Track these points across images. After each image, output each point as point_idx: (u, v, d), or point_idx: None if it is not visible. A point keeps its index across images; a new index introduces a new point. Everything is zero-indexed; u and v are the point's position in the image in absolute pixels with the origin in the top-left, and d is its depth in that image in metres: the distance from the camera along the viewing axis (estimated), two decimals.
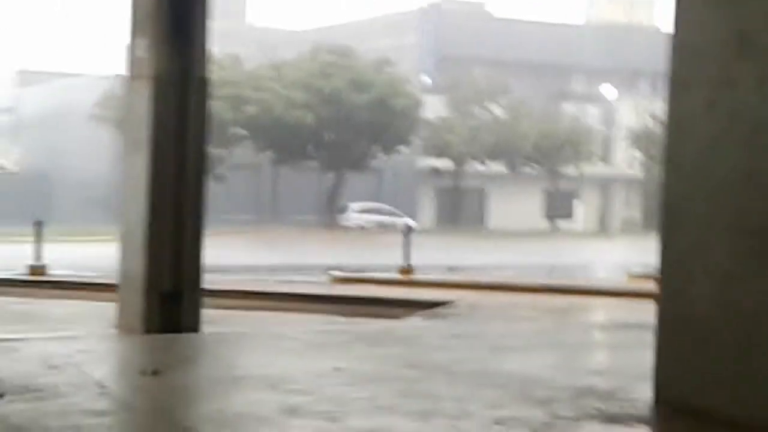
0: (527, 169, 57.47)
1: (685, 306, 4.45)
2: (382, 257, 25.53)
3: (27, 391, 5.21)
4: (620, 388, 5.47)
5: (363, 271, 21.29)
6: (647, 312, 5.61)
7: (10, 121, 67.76)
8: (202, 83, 8.42)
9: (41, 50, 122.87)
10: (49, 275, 16.93)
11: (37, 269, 17.15)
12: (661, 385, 4.70)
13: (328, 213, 53.18)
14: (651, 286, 5.54)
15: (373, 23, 64.51)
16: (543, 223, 59.93)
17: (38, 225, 17.63)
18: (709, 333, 4.35)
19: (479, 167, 56.25)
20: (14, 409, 4.78)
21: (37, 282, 15.66)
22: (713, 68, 4.27)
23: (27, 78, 67.57)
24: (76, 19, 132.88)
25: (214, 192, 48.14)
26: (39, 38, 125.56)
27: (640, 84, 64.86)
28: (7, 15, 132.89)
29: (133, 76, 8.51)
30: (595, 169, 62.85)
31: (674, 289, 4.52)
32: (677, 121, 4.47)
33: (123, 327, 8.32)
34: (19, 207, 47.63)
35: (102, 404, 5.01)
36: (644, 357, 5.31)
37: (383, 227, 50.82)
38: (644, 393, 5.10)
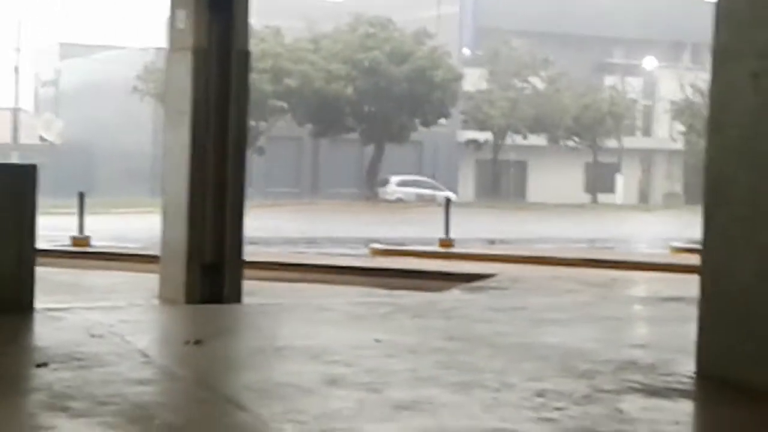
0: (568, 142, 57.16)
1: (728, 280, 4.42)
2: (422, 230, 25.53)
3: (71, 359, 5.26)
4: (662, 362, 5.44)
5: (403, 243, 21.30)
6: (690, 286, 5.58)
7: (52, 93, 68.24)
8: (243, 56, 8.42)
9: (82, 23, 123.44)
10: (92, 246, 17.07)
11: (80, 240, 17.30)
12: (704, 358, 4.68)
13: (368, 186, 53.19)
14: (693, 259, 5.50)
15: None
16: (584, 197, 59.65)
17: (81, 197, 17.76)
18: (752, 307, 4.31)
19: (519, 140, 56.02)
20: (58, 377, 4.83)
21: (80, 253, 15.79)
22: (758, 39, 4.22)
23: (68, 51, 67.91)
24: None
25: (254, 165, 48.28)
26: (80, 11, 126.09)
27: (682, 55, 64.26)
28: None
29: (174, 48, 8.53)
30: (636, 141, 62.42)
31: (717, 263, 4.48)
32: (721, 93, 4.42)
33: (165, 298, 8.38)
34: (61, 179, 48.02)
35: (145, 373, 5.05)
36: (687, 330, 5.29)
37: (423, 200, 50.78)
38: (687, 366, 5.08)
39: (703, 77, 46.38)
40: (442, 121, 53.90)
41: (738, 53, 4.30)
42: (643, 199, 63.64)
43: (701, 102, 52.45)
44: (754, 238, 4.28)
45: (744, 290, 4.35)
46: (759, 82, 4.22)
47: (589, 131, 56.77)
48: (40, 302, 7.06)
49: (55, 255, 14.41)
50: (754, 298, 4.30)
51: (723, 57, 4.39)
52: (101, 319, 6.68)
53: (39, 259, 7.15)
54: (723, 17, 4.38)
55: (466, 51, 60.60)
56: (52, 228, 17.08)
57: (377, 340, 6.06)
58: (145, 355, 5.53)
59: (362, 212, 41.36)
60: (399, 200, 52.02)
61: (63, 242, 17.46)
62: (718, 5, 4.40)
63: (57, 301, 8.03)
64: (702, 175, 4.58)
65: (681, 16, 62.56)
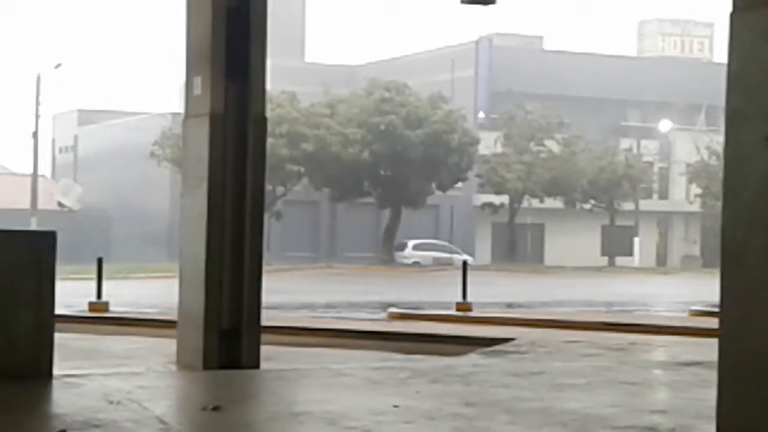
0: (584, 205, 57.14)
1: (747, 344, 4.40)
2: (439, 294, 25.48)
3: (89, 426, 5.25)
4: (683, 428, 5.40)
5: (420, 307, 21.25)
6: (709, 350, 5.55)
7: (70, 159, 68.72)
8: (259, 121, 8.48)
9: (100, 90, 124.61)
10: (110, 312, 17.07)
11: (98, 306, 17.31)
12: (724, 424, 4.64)
13: (384, 250, 53.21)
14: (712, 323, 5.48)
15: (427, 58, 64.69)
16: (601, 260, 59.49)
17: (99, 262, 17.80)
18: None
19: (536, 203, 56.04)
20: None
21: (98, 318, 15.79)
22: None
23: (86, 117, 68.52)
24: (134, 59, 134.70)
25: (271, 229, 48.43)
26: (97, 78, 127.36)
27: (698, 117, 64.39)
28: (66, 56, 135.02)
29: (190, 114, 8.60)
30: (653, 204, 62.34)
31: (736, 327, 4.46)
32: (735, 155, 4.43)
33: (183, 363, 8.37)
34: (80, 244, 48.18)
35: None
36: (706, 395, 5.25)
37: (440, 264, 50.73)
38: None
39: (718, 139, 46.47)
40: (459, 184, 54.00)
41: (750, 117, 4.32)
42: (661, 261, 63.42)
43: (717, 164, 52.45)
44: None
45: (763, 354, 4.33)
46: None
47: (605, 194, 56.76)
48: (58, 368, 7.06)
49: (73, 321, 14.42)
50: None
51: (735, 120, 4.41)
52: (119, 386, 6.67)
53: (57, 325, 7.17)
54: (734, 81, 4.41)
55: (482, 114, 60.86)
56: (70, 293, 17.10)
57: (395, 406, 6.04)
58: (163, 422, 5.52)
59: (379, 276, 41.33)
60: (416, 264, 51.98)
61: (81, 308, 17.48)
62: (729, 69, 4.43)
63: (75, 367, 8.03)
64: (719, 237, 4.57)
65: (696, 79, 62.80)
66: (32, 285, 6.93)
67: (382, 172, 51.50)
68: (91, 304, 17.41)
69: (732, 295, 4.48)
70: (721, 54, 67.58)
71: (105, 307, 17.34)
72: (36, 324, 6.91)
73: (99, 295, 17.48)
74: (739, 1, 4.40)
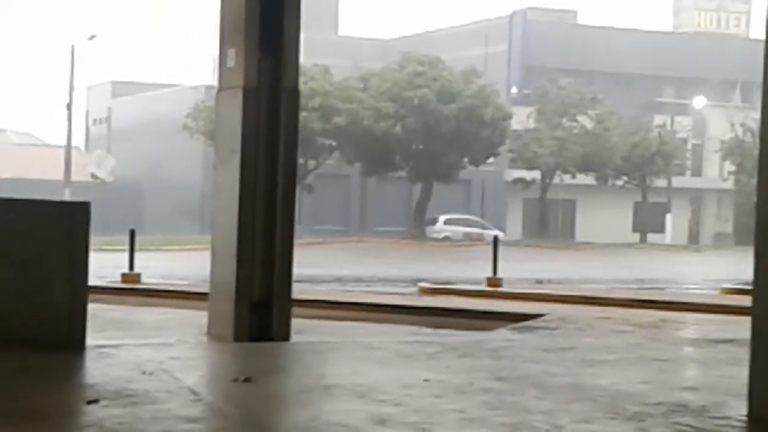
0: (617, 182, 56.87)
1: None
2: (469, 269, 25.47)
3: (121, 396, 5.30)
4: (713, 405, 5.39)
5: (450, 282, 21.26)
6: (740, 327, 5.53)
7: (103, 131, 69.03)
8: (293, 94, 8.49)
9: (133, 61, 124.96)
10: (142, 283, 17.19)
11: (130, 277, 17.43)
12: (756, 401, 4.63)
13: (416, 224, 53.19)
14: (744, 301, 5.45)
15: (460, 32, 64.42)
16: (632, 236, 59.24)
17: (131, 234, 17.91)
18: None
19: (568, 179, 55.82)
20: (109, 414, 4.87)
21: (130, 290, 15.91)
22: None
23: (120, 89, 68.75)
24: (168, 30, 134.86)
25: (303, 202, 48.50)
26: (131, 49, 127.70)
27: (732, 94, 63.87)
28: (100, 27, 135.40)
29: (224, 86, 8.62)
30: (686, 181, 61.96)
31: None
32: None
33: (214, 335, 8.42)
34: (113, 216, 48.45)
35: (194, 411, 5.07)
36: (738, 373, 5.23)
37: (471, 239, 50.67)
38: (738, 410, 5.02)
39: (753, 116, 46.05)
40: (491, 159, 53.86)
41: None
42: (693, 239, 63.09)
43: (751, 142, 52.04)
44: None
45: None
46: None
47: (638, 170, 56.45)
48: (91, 339, 7.12)
49: (106, 292, 14.53)
50: None
51: None
52: (151, 356, 6.72)
53: (90, 296, 7.23)
54: None
55: (515, 90, 60.60)
56: (103, 265, 17.24)
57: (425, 380, 6.05)
58: (195, 393, 5.55)
59: (410, 251, 41.35)
60: (446, 239, 51.95)
61: (114, 279, 17.60)
62: (766, 45, 4.39)
63: (108, 337, 8.09)
64: (752, 215, 4.54)
65: (731, 55, 62.25)
66: (66, 256, 6.99)
67: (414, 147, 51.44)
68: (123, 275, 17.54)
69: (765, 273, 4.46)
70: (757, 30, 66.93)
71: (137, 278, 17.46)
72: (69, 294, 6.97)
73: (131, 266, 17.60)
74: None
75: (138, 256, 18.06)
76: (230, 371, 6.64)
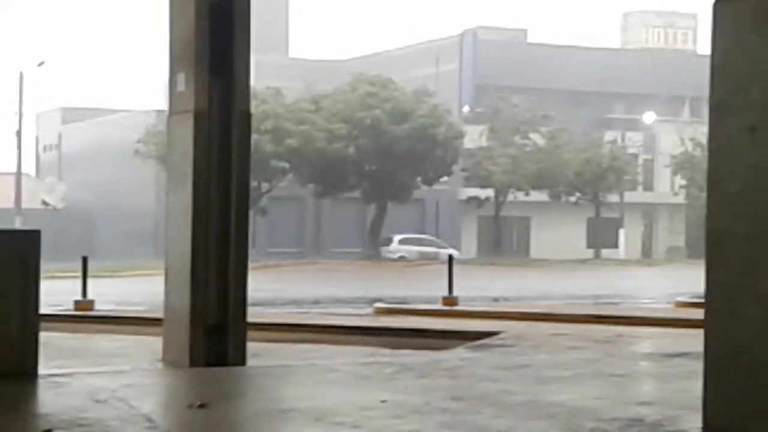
0: (570, 198, 57.24)
1: (731, 332, 4.41)
2: (425, 288, 25.48)
3: (74, 425, 5.23)
4: (669, 419, 5.41)
5: (407, 302, 21.25)
6: (694, 340, 5.56)
7: (54, 157, 68.51)
8: (244, 117, 8.46)
9: (84, 87, 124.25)
10: (96, 310, 17.03)
11: (83, 304, 17.26)
12: (710, 415, 4.65)
13: (371, 245, 53.21)
14: (698, 314, 5.49)
15: (411, 52, 64.68)
16: (587, 252, 59.59)
17: (84, 261, 17.75)
18: (757, 360, 4.30)
19: (521, 196, 56.11)
20: None
21: (83, 317, 15.75)
22: (754, 92, 4.25)
23: (70, 115, 68.34)
24: (117, 56, 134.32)
25: (257, 225, 48.23)
26: (81, 75, 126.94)
27: (682, 109, 64.53)
28: (49, 54, 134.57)
29: (175, 111, 8.57)
30: (638, 196, 62.46)
31: (721, 317, 4.47)
32: (719, 147, 4.44)
33: (169, 361, 8.35)
34: (65, 243, 48.05)
35: None
36: (692, 386, 5.26)
37: (427, 258, 50.75)
38: (693, 422, 5.05)
39: (702, 131, 46.54)
40: (444, 178, 54.03)
41: (735, 107, 4.33)
42: (646, 253, 63.57)
43: (701, 156, 52.58)
44: (755, 292, 4.28)
45: (747, 344, 4.34)
46: (756, 136, 4.24)
47: (590, 186, 56.85)
48: (44, 367, 7.04)
49: (58, 320, 14.39)
50: (758, 352, 4.29)
51: (720, 111, 4.41)
52: (105, 384, 6.65)
53: (43, 324, 7.14)
54: (718, 72, 4.42)
55: (466, 108, 60.88)
56: (55, 292, 17.07)
57: (383, 401, 6.03)
58: (150, 420, 5.50)
59: (365, 271, 41.31)
60: (402, 258, 51.99)
61: (67, 307, 17.43)
62: (713, 60, 4.44)
63: (61, 366, 8.00)
64: (703, 228, 4.58)
65: (680, 71, 62.94)
66: (17, 284, 6.91)
67: (367, 167, 51.50)
68: (76, 302, 17.37)
69: (716, 287, 4.49)
70: (705, 45, 67.71)
71: (90, 305, 17.30)
72: (21, 323, 6.88)
73: (84, 293, 17.44)
74: None
75: (91, 283, 17.90)
76: (185, 397, 6.58)
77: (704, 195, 4.59)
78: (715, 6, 4.43)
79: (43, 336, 7.12)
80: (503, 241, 58.28)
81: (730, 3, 4.37)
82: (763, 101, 4.21)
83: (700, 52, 68.66)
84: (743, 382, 4.39)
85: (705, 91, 4.67)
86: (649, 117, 63.16)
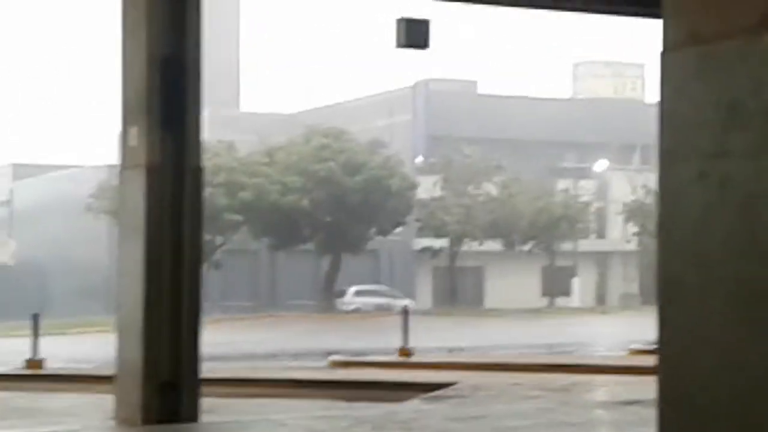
0: (524, 247, 57.48)
1: (684, 380, 4.42)
2: (381, 340, 25.40)
3: None
4: None
5: (362, 354, 21.16)
6: (648, 388, 5.56)
7: (5, 214, 67.90)
8: (196, 171, 8.44)
9: (34, 143, 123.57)
10: (47, 369, 16.80)
11: (34, 363, 17.02)
12: None
13: (325, 297, 53.07)
14: (652, 361, 5.50)
15: (364, 104, 64.96)
16: (541, 301, 59.77)
17: (35, 318, 17.54)
18: (711, 406, 4.30)
19: (476, 246, 56.27)
20: None
21: (34, 376, 15.53)
22: (703, 139, 4.29)
23: (21, 171, 67.85)
24: (68, 112, 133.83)
25: (211, 279, 47.85)
26: (31, 131, 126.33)
27: (632, 157, 65.20)
28: (0, 109, 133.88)
29: (127, 165, 8.54)
30: (591, 244, 62.85)
31: (673, 364, 4.48)
32: (669, 193, 4.47)
33: (121, 418, 8.24)
34: (15, 300, 47.48)
35: None
36: None
37: (381, 309, 50.64)
38: None
39: (653, 178, 46.94)
40: (398, 229, 54.12)
41: (683, 155, 4.37)
42: (600, 301, 63.86)
43: (652, 203, 53.04)
44: (707, 337, 4.29)
45: (700, 391, 4.35)
46: (705, 182, 4.27)
47: (544, 235, 57.16)
48: None
49: (8, 379, 14.18)
50: (710, 398, 4.30)
51: (669, 159, 4.45)
52: None
53: None
54: (666, 120, 4.45)
55: (420, 159, 61.15)
56: (6, 351, 16.85)
57: None
58: None
59: (320, 324, 41.15)
60: (357, 310, 51.86)
61: (17, 365, 17.18)
62: (660, 109, 4.47)
63: (10, 426, 7.86)
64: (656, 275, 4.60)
65: (629, 119, 63.64)
66: None
67: (321, 219, 51.48)
68: (27, 361, 17.13)
69: (668, 334, 4.50)
70: (653, 94, 68.55)
71: (41, 364, 17.06)
72: None
73: (35, 351, 17.20)
74: (668, 41, 4.46)
75: (42, 341, 17.67)
76: None
77: (656, 241, 4.61)
78: (662, 54, 4.48)
79: None
80: (458, 291, 58.34)
81: (676, 52, 4.42)
82: (710, 149, 4.25)
83: (648, 100, 69.54)
84: (697, 429, 4.39)
85: (655, 139, 4.71)
86: (600, 165, 63.74)
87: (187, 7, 8.40)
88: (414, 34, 11.16)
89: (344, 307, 52.44)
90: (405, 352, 18.02)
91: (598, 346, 26.62)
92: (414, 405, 10.18)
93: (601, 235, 65.09)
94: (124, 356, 8.34)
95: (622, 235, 62.50)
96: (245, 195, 48.81)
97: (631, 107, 68.00)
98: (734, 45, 4.18)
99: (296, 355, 23.84)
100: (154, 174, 8.23)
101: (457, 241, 55.70)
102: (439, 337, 28.19)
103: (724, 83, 4.20)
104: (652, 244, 52.03)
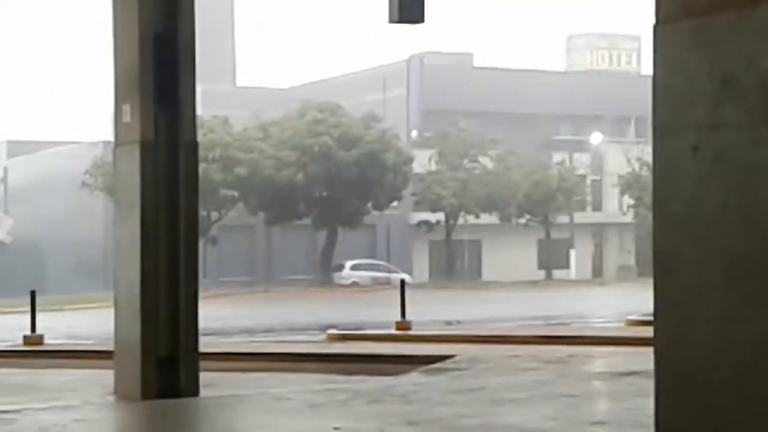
0: (520, 220, 57.54)
1: (681, 352, 4.44)
2: (378, 313, 25.46)
3: None
4: None
5: (360, 328, 21.21)
6: (646, 359, 5.59)
7: (0, 191, 67.82)
8: (191, 146, 8.44)
9: (28, 120, 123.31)
10: (45, 345, 16.84)
11: (32, 339, 17.06)
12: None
13: (322, 271, 53.12)
14: (649, 332, 5.53)
15: (358, 78, 64.83)
16: (538, 273, 59.88)
17: (32, 295, 17.56)
18: (707, 378, 4.33)
19: (472, 220, 56.32)
20: None
21: (33, 352, 15.57)
22: (697, 111, 4.29)
23: (15, 148, 67.73)
24: (62, 88, 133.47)
25: (208, 255, 47.84)
26: (25, 108, 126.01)
27: (628, 129, 65.17)
28: None
29: (121, 142, 8.54)
30: (587, 216, 62.92)
31: (670, 335, 4.51)
32: (663, 166, 4.48)
33: (121, 394, 8.27)
34: (12, 278, 47.50)
35: None
36: (645, 404, 5.29)
37: (378, 283, 50.73)
38: None
39: (648, 150, 46.97)
40: (394, 203, 54.11)
41: (677, 127, 4.38)
42: (597, 273, 63.99)
43: (648, 175, 53.08)
44: (703, 310, 4.32)
45: (698, 362, 4.37)
46: (699, 155, 4.29)
47: (540, 208, 57.21)
48: None
49: (7, 355, 14.21)
50: (708, 370, 4.33)
51: (663, 132, 4.46)
52: (55, 420, 6.57)
53: None
54: (660, 92, 4.46)
55: (415, 133, 61.08)
56: (4, 328, 16.87)
57: (336, 428, 6.01)
58: None
59: (318, 298, 41.21)
60: (354, 284, 51.94)
61: (16, 342, 17.22)
62: (654, 81, 4.48)
63: (10, 402, 7.89)
64: (652, 247, 4.61)
65: (624, 92, 63.59)
66: None
67: (317, 194, 51.47)
68: (25, 337, 17.16)
69: (665, 305, 4.52)
70: (648, 66, 68.47)
71: (40, 340, 17.10)
72: None
73: (33, 328, 17.24)
74: (662, 13, 4.46)
75: (40, 317, 17.70)
76: (137, 431, 6.52)
77: (652, 214, 4.63)
78: (655, 27, 4.48)
79: None
80: (455, 264, 58.42)
81: (670, 24, 4.42)
82: (704, 121, 4.26)
83: (643, 72, 69.45)
84: (693, 401, 4.42)
85: (649, 112, 4.72)
86: (595, 138, 63.72)
87: None
88: (408, 8, 11.12)
89: (341, 282, 52.51)
90: (403, 325, 18.07)
91: (595, 318, 26.70)
92: (412, 378, 10.22)
93: (597, 207, 65.15)
94: (122, 332, 8.37)
95: (619, 208, 62.56)
96: (240, 170, 48.77)
97: (627, 79, 67.93)
98: (727, 17, 4.18)
99: (294, 329, 23.90)
100: (148, 150, 8.23)
101: (453, 214, 55.74)
102: (436, 310, 28.26)
103: (718, 56, 4.20)
104: (648, 216, 52.09)
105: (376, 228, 58.53)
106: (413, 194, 55.25)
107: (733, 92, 4.15)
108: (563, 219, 58.74)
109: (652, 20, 4.49)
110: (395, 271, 53.16)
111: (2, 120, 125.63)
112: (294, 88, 66.46)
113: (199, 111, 8.81)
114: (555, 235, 59.34)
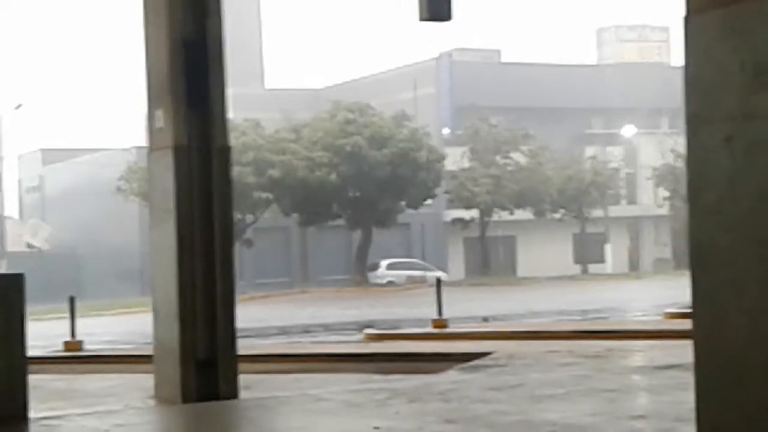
0: (554, 215, 57.33)
1: (719, 345, 4.42)
2: (415, 312, 25.45)
3: None
4: (663, 431, 5.41)
5: (397, 326, 21.22)
6: (685, 351, 5.57)
7: (37, 199, 68.35)
8: (224, 150, 8.48)
9: (63, 128, 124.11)
10: (85, 350, 16.96)
11: (72, 345, 17.19)
12: (704, 426, 4.65)
13: (358, 271, 53.16)
14: (687, 324, 5.50)
15: (388, 77, 64.83)
16: (574, 268, 59.65)
17: (71, 301, 17.70)
18: (746, 370, 4.31)
19: (506, 216, 56.19)
20: None
21: (73, 358, 15.68)
22: (729, 101, 4.27)
23: (50, 156, 68.23)
24: (95, 95, 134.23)
25: (243, 257, 48.07)
26: (59, 116, 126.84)
27: (660, 121, 64.79)
28: (26, 96, 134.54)
29: (154, 147, 8.59)
30: (622, 210, 62.62)
31: (708, 328, 4.49)
32: (697, 158, 4.46)
33: (161, 398, 8.32)
34: (50, 284, 47.87)
35: None
36: (685, 398, 5.26)
37: (414, 282, 50.71)
38: None
39: (682, 142, 46.69)
40: (428, 201, 54.06)
41: (710, 118, 4.36)
42: (633, 266, 63.66)
43: (682, 167, 52.69)
44: (740, 302, 4.29)
45: (736, 354, 4.35)
46: (732, 146, 4.27)
47: (574, 202, 56.97)
48: (34, 411, 7.00)
49: (48, 362, 14.32)
50: (746, 362, 4.31)
51: (696, 123, 4.44)
52: (97, 425, 6.63)
53: (32, 367, 7.11)
54: (692, 84, 4.44)
55: (446, 131, 61.00)
56: (44, 334, 17.01)
57: (375, 428, 6.02)
58: None
59: (354, 298, 41.25)
60: (390, 283, 51.95)
61: (56, 348, 17.35)
62: (686, 72, 4.46)
63: (52, 408, 7.96)
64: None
65: (656, 83, 63.22)
66: (1, 328, 6.88)
67: (350, 194, 51.51)
68: (65, 343, 17.29)
69: (702, 297, 4.50)
70: (678, 57, 68.01)
71: (80, 345, 17.23)
72: (7, 367, 6.85)
73: (73, 333, 17.37)
74: (692, 4, 4.44)
75: (79, 323, 17.84)
76: None
77: (687, 206, 4.61)
78: (686, 18, 4.46)
79: (33, 378, 7.09)
80: (490, 261, 58.30)
81: (700, 15, 4.40)
82: (736, 111, 4.23)
83: (673, 64, 69.01)
84: (735, 392, 4.40)
85: (682, 103, 4.70)
86: (628, 131, 63.39)
87: None
88: (436, 6, 11.12)
89: (377, 281, 52.52)
90: (439, 323, 18.06)
91: (632, 312, 26.58)
92: (451, 375, 10.22)
93: (631, 200, 64.82)
94: (161, 336, 8.41)
95: (653, 200, 62.20)
96: (273, 172, 48.87)
97: (658, 71, 67.53)
98: (757, 6, 4.16)
99: (331, 330, 23.94)
100: (181, 155, 8.28)
101: (487, 211, 55.61)
102: (473, 307, 28.22)
103: (749, 45, 4.18)
104: (683, 208, 51.79)
105: (410, 226, 58.51)
106: (446, 192, 55.17)
107: (766, 81, 4.13)
108: (598, 213, 58.48)
109: (682, 11, 4.47)
110: (431, 269, 53.12)
111: (36, 129, 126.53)
112: (324, 89, 66.56)
113: (230, 114, 8.84)
114: (590, 229, 59.09)
